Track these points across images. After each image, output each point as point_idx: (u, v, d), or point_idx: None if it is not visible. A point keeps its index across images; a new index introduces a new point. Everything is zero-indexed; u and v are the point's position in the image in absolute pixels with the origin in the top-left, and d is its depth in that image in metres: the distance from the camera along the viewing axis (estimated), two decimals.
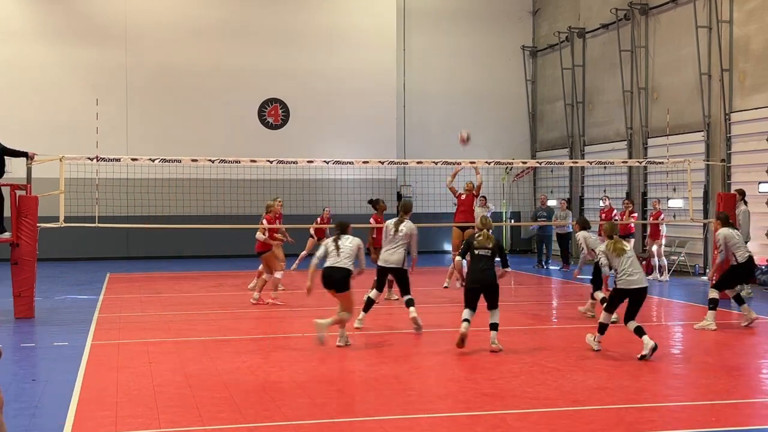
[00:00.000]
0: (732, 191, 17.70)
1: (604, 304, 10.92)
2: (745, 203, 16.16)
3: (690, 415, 7.62)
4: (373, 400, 7.97)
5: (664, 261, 19.02)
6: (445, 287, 16.70)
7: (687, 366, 9.92)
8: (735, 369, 9.46)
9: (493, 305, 10.47)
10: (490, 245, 10.50)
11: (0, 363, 7.31)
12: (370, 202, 16.72)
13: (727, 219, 12.66)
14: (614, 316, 10.98)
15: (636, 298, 10.25)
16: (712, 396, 8.19)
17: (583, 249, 13.02)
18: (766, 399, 8.37)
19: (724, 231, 12.34)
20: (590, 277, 12.99)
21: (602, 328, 10.40)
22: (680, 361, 10.19)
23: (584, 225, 13.21)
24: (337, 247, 10.67)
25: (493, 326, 10.39)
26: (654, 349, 9.79)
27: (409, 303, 11.89)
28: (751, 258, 12.53)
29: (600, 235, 12.87)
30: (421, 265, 17.20)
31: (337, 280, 10.47)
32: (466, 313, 10.40)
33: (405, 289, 11.98)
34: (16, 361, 9.96)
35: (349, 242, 10.74)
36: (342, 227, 10.99)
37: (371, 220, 16.20)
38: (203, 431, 7.00)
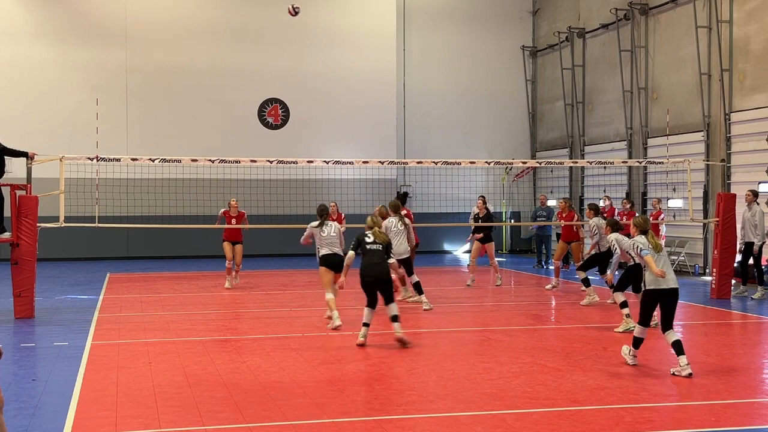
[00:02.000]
0: (734, 190, 17.72)
1: (624, 309, 11.27)
2: (758, 204, 15.83)
3: (690, 415, 7.62)
4: (373, 400, 7.97)
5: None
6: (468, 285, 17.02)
7: None
8: (735, 369, 9.46)
9: (389, 299, 10.74)
10: (380, 241, 10.89)
11: (0, 363, 7.32)
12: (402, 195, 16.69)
13: (598, 210, 14.90)
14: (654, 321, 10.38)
15: (669, 299, 9.34)
16: (712, 396, 8.19)
17: (616, 250, 11.36)
18: (766, 399, 8.37)
19: (596, 220, 14.29)
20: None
21: (638, 343, 9.50)
22: None
23: (616, 227, 12.00)
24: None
25: (395, 318, 10.66)
26: (689, 376, 8.95)
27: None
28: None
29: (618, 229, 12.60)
30: (423, 265, 17.21)
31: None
32: (366, 314, 10.74)
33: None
34: (16, 361, 9.96)
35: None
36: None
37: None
38: (203, 431, 7.00)
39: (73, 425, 7.10)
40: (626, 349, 9.68)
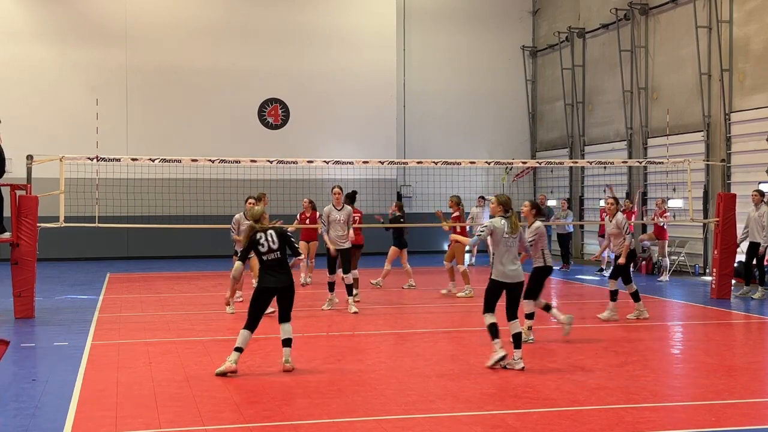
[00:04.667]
0: (734, 190, 17.70)
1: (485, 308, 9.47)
2: (766, 204, 15.66)
3: (690, 415, 7.62)
4: (373, 400, 7.97)
5: (667, 262, 18.97)
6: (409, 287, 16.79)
7: (687, 366, 9.93)
8: (735, 369, 9.46)
9: (285, 316, 9.20)
10: (276, 245, 9.15)
11: (0, 363, 7.33)
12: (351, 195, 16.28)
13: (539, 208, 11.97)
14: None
15: (512, 290, 9.39)
16: (712, 396, 8.19)
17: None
18: (766, 399, 8.37)
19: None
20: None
21: (494, 330, 9.28)
22: (680, 361, 10.20)
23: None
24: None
25: (286, 342, 9.13)
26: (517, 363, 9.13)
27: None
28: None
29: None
30: (423, 265, 17.21)
31: None
32: (242, 337, 9.02)
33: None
34: (16, 361, 9.95)
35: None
36: None
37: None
38: (203, 431, 7.00)
39: (73, 425, 7.09)
40: (492, 359, 9.28)
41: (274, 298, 9.33)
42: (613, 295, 12.73)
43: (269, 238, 9.14)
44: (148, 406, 7.73)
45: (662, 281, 18.42)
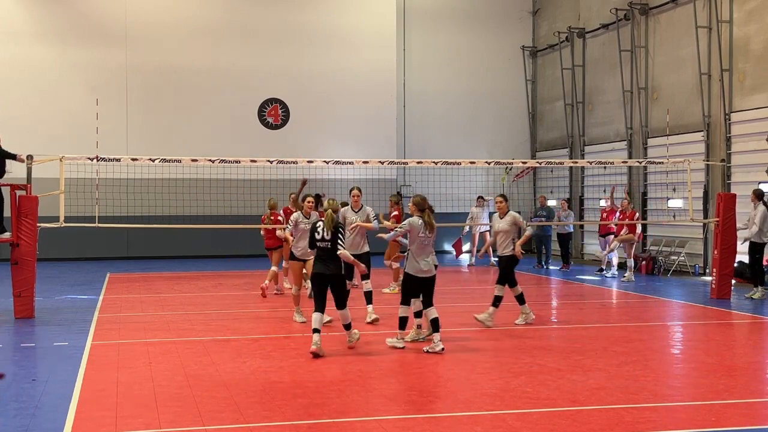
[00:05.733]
0: (734, 190, 17.70)
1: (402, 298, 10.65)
2: (765, 204, 15.63)
3: (690, 415, 7.63)
4: (374, 400, 7.97)
5: (615, 257, 19.13)
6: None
7: (687, 366, 9.93)
8: (735, 369, 9.47)
9: (339, 303, 10.35)
10: (329, 235, 10.23)
11: (0, 363, 7.33)
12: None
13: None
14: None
15: (427, 284, 10.42)
16: (712, 396, 8.19)
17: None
18: (766, 399, 8.38)
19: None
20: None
21: (403, 323, 10.54)
22: (680, 361, 10.20)
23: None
24: None
25: (346, 326, 10.38)
26: (442, 350, 10.10)
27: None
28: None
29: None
30: None
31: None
32: (315, 319, 10.09)
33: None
34: (16, 361, 9.96)
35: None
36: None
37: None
38: (203, 431, 7.00)
39: (73, 425, 7.10)
40: (392, 340, 10.54)
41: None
42: (496, 300, 12.16)
43: (325, 229, 10.25)
44: (148, 406, 7.74)
45: (606, 275, 18.39)
